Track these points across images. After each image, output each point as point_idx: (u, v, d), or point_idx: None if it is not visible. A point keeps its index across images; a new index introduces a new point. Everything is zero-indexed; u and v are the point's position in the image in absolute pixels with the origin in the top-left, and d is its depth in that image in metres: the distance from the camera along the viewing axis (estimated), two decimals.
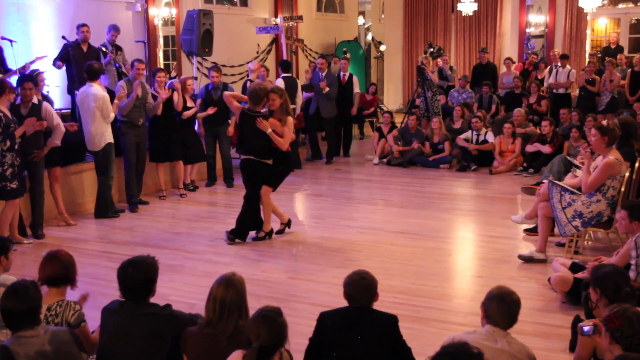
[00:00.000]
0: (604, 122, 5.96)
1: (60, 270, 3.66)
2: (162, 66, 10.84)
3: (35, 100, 6.79)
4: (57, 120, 7.00)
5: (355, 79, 11.79)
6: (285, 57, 12.66)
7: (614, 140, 5.78)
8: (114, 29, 9.20)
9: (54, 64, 8.61)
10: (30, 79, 6.76)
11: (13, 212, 6.51)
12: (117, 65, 9.10)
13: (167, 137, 8.55)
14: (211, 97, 9.17)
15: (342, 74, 11.75)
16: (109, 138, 7.62)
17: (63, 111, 8.67)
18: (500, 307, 3.16)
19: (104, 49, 9.03)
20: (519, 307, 3.22)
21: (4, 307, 3.13)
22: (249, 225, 6.78)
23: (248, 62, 12.42)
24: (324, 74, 10.85)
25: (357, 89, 11.70)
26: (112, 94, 8.04)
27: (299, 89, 10.52)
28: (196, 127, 9.17)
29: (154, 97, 8.41)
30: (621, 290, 3.53)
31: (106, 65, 9.03)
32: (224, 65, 12.00)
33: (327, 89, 10.70)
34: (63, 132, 7.05)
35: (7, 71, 8.03)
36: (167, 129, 8.54)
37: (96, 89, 7.47)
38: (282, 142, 6.50)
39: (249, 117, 6.54)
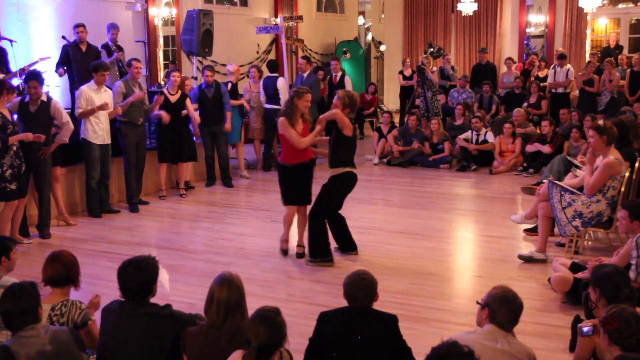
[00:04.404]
0: (601, 122, 5.96)
1: (62, 271, 3.67)
2: (161, 66, 10.87)
3: (44, 97, 6.78)
4: (66, 117, 6.99)
5: (347, 79, 11.70)
6: (285, 58, 12.66)
7: (613, 139, 5.78)
8: (113, 27, 9.23)
9: (56, 70, 8.61)
10: (34, 77, 6.73)
11: (12, 213, 6.50)
12: (120, 64, 9.13)
13: (174, 138, 8.56)
14: (205, 95, 9.20)
15: (333, 74, 11.76)
16: (85, 134, 7.56)
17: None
18: (509, 310, 3.17)
19: (111, 48, 9.07)
20: (522, 309, 3.24)
21: (2, 308, 3.15)
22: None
23: (249, 63, 12.45)
24: (305, 76, 10.67)
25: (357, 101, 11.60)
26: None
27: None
28: (191, 127, 9.17)
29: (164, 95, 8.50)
30: (621, 291, 3.53)
31: (110, 64, 9.07)
32: (224, 65, 12.02)
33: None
34: (72, 129, 7.05)
35: (8, 72, 8.04)
36: (174, 130, 8.55)
37: (86, 84, 7.54)
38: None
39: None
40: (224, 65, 11.94)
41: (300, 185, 6.14)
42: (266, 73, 10.53)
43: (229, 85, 9.87)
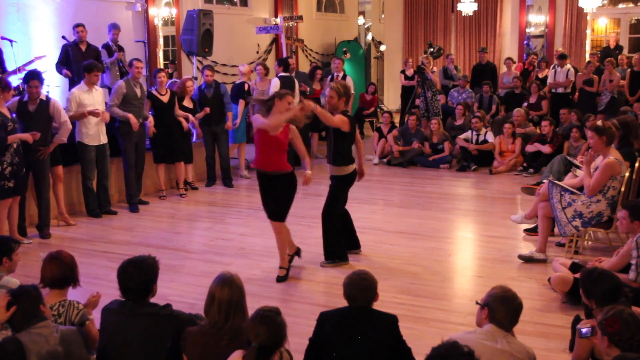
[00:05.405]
0: (599, 123, 5.96)
1: (65, 271, 3.67)
2: (162, 66, 10.86)
3: (43, 97, 6.77)
4: (65, 117, 6.98)
5: (349, 79, 11.67)
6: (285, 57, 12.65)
7: (612, 139, 5.78)
8: (115, 27, 9.24)
9: (61, 72, 8.61)
10: (36, 76, 6.71)
11: (7, 211, 6.48)
12: (120, 64, 9.14)
13: (169, 138, 8.57)
14: (205, 95, 9.21)
15: (335, 74, 11.74)
16: (79, 136, 7.55)
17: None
18: (509, 310, 3.17)
19: (112, 48, 9.09)
20: (522, 309, 3.24)
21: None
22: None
23: (250, 63, 12.43)
24: (293, 75, 10.51)
25: (351, 91, 11.63)
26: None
27: (297, 88, 10.42)
28: (191, 126, 9.16)
29: (153, 97, 8.47)
30: (617, 299, 3.51)
31: (111, 64, 9.09)
32: (224, 65, 12.02)
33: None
34: (70, 129, 7.04)
35: (4, 72, 8.04)
36: (167, 130, 8.55)
37: (76, 87, 7.57)
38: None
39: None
40: (224, 65, 11.95)
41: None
42: (272, 71, 10.47)
43: (246, 85, 9.83)
